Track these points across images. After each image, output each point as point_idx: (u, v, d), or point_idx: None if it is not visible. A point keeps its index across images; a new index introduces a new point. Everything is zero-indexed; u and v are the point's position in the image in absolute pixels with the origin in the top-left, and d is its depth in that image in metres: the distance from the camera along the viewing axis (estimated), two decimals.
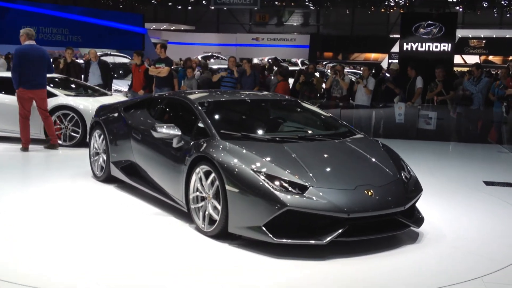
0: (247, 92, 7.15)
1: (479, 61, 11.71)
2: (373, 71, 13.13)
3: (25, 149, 8.63)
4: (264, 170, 4.68)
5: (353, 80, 13.46)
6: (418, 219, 5.12)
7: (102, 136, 6.90)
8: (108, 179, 6.78)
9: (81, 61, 16.11)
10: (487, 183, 7.48)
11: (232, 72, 11.82)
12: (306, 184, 4.60)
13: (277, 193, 4.49)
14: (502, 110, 10.55)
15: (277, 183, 4.57)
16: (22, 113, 8.59)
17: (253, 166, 4.71)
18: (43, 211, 5.66)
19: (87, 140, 7.58)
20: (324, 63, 34.54)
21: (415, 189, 5.14)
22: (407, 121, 11.67)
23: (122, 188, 6.60)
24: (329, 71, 19.58)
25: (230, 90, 10.68)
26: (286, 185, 4.57)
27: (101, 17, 32.06)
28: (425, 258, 4.64)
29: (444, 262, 4.57)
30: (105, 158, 6.81)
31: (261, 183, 4.57)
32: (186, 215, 5.33)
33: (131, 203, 6.07)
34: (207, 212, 4.95)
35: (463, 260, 4.61)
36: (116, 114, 6.87)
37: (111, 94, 10.42)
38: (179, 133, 5.45)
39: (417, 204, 5.25)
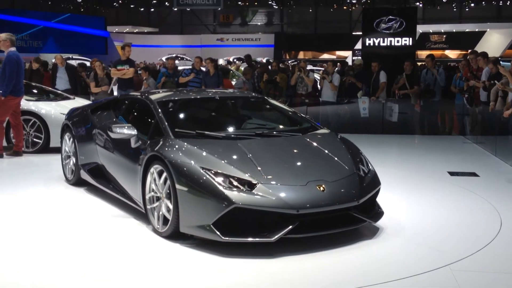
0: (214, 90, 7.10)
1: (433, 55, 11.86)
2: (337, 68, 13.21)
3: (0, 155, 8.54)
4: (213, 168, 4.63)
5: (317, 78, 13.52)
6: (377, 214, 5.05)
7: (71, 139, 6.83)
8: (79, 182, 6.72)
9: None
10: (452, 174, 7.59)
11: (198, 72, 11.77)
12: (255, 181, 4.56)
13: (224, 190, 4.44)
14: (464, 102, 10.72)
15: (225, 180, 4.52)
16: (3, 119, 8.56)
17: (202, 164, 4.66)
18: (6, 218, 5.55)
19: (56, 144, 7.46)
20: (289, 61, 34.66)
21: (372, 183, 5.06)
22: (372, 115, 11.78)
23: (91, 191, 6.52)
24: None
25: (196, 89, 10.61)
26: (235, 182, 4.52)
27: (62, 22, 31.53)
28: (388, 252, 4.60)
29: (410, 254, 4.57)
30: (74, 161, 6.74)
31: (209, 181, 4.52)
32: (145, 217, 5.26)
33: (96, 205, 6.00)
34: (160, 213, 4.91)
35: (429, 250, 4.63)
36: (83, 116, 6.82)
37: (74, 98, 10.24)
38: (135, 132, 5.41)
39: (380, 198, 5.23)
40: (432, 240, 4.86)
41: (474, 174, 7.59)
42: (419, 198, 6.30)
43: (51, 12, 34.09)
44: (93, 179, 6.31)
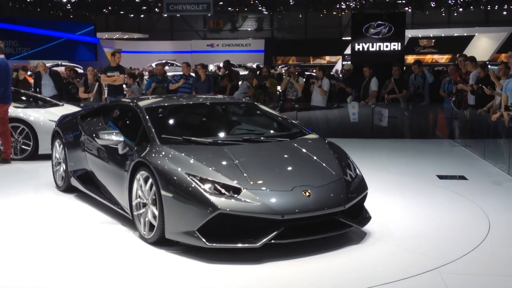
0: (204, 96, 7.09)
1: (420, 62, 11.96)
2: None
3: None
4: (198, 173, 4.61)
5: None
6: (364, 219, 5.04)
7: (61, 146, 6.81)
8: (69, 188, 6.70)
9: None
10: (441, 177, 7.62)
11: (188, 78, 11.77)
12: (240, 186, 4.55)
13: (209, 196, 4.43)
14: (451, 106, 10.77)
15: (210, 186, 4.51)
16: None
17: (188, 171, 4.65)
18: None
19: (45, 151, 7.45)
20: (280, 67, 34.77)
21: (359, 188, 5.05)
22: (362, 120, 11.81)
23: (80, 197, 6.50)
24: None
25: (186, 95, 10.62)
26: (220, 188, 4.51)
27: (51, 28, 31.41)
28: (376, 256, 4.60)
29: (398, 257, 4.57)
30: (65, 167, 6.71)
31: (194, 187, 4.51)
32: (133, 223, 5.24)
33: (85, 212, 5.99)
34: (147, 219, 4.89)
35: (418, 253, 4.64)
36: (73, 123, 6.82)
37: (63, 105, 10.20)
38: (122, 139, 5.40)
39: (368, 202, 5.23)
40: (421, 244, 4.88)
41: (462, 177, 7.63)
42: (408, 201, 6.32)
43: (40, 19, 33.94)
44: (82, 185, 6.29)
